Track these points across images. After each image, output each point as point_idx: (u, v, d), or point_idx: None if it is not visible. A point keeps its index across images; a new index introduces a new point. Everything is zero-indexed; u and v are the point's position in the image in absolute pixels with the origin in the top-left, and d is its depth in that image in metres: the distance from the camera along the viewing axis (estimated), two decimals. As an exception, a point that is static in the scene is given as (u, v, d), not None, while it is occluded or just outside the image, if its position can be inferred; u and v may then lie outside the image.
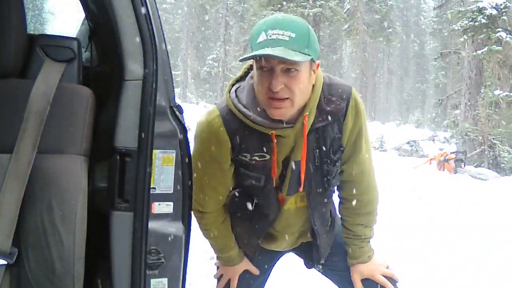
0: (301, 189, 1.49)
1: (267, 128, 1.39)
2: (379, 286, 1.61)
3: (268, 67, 1.29)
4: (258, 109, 1.39)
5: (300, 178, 1.47)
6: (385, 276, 1.62)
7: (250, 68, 1.49)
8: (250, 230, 1.62)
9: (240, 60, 1.35)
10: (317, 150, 1.45)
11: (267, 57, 1.26)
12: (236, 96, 1.43)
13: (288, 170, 1.47)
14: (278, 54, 1.23)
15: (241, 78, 1.50)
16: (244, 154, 1.44)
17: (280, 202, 1.54)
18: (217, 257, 1.73)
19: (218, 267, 1.74)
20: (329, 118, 1.43)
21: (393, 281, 1.63)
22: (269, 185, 1.48)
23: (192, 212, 1.55)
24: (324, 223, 1.63)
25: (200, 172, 1.46)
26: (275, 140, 1.40)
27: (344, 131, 1.46)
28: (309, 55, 1.29)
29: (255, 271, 1.70)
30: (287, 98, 1.31)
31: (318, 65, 1.39)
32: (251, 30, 1.36)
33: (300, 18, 1.36)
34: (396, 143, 17.89)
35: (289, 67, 1.28)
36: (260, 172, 1.46)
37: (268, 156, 1.43)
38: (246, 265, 1.69)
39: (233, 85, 1.49)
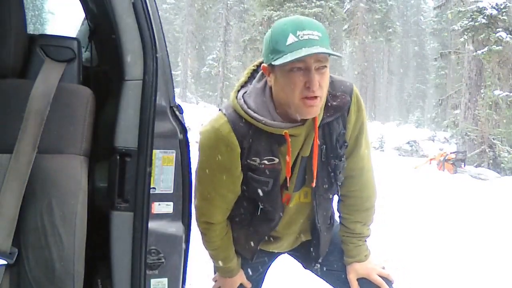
0: (313, 184, 1.49)
1: (279, 129, 1.39)
2: (375, 286, 1.61)
3: (303, 67, 1.29)
4: (269, 111, 1.39)
5: (312, 172, 1.47)
6: (381, 277, 1.61)
7: (253, 72, 1.49)
8: (249, 235, 1.61)
9: (280, 65, 1.29)
10: (324, 146, 1.47)
11: (312, 56, 1.26)
12: (244, 101, 1.42)
13: (296, 167, 1.48)
14: (324, 51, 1.25)
15: (245, 84, 1.49)
16: (253, 159, 1.43)
17: (285, 202, 1.54)
18: (215, 270, 1.72)
19: (215, 281, 1.73)
20: (336, 112, 1.44)
21: (389, 282, 1.62)
22: (276, 188, 1.48)
23: (198, 226, 1.55)
24: (326, 220, 1.64)
25: (207, 181, 1.46)
26: (289, 139, 1.40)
27: (347, 126, 1.48)
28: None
29: (247, 284, 1.70)
30: (318, 96, 1.32)
31: None
32: (269, 35, 1.34)
33: None
34: (396, 143, 17.91)
35: (322, 65, 1.30)
36: (268, 176, 1.45)
37: (277, 160, 1.43)
38: (241, 278, 1.69)
39: (238, 91, 1.48)
